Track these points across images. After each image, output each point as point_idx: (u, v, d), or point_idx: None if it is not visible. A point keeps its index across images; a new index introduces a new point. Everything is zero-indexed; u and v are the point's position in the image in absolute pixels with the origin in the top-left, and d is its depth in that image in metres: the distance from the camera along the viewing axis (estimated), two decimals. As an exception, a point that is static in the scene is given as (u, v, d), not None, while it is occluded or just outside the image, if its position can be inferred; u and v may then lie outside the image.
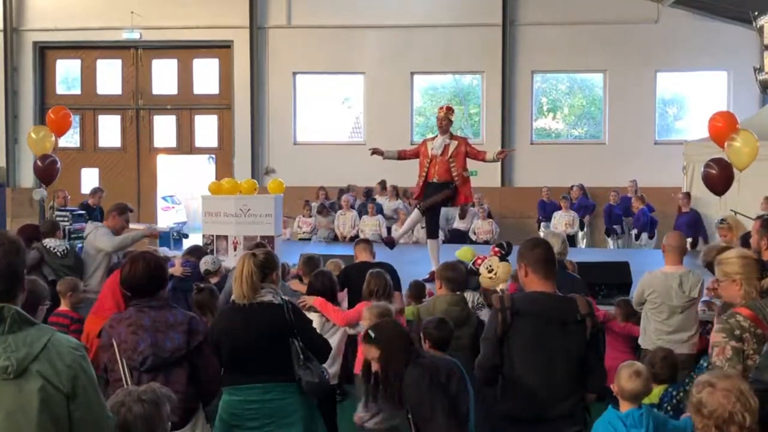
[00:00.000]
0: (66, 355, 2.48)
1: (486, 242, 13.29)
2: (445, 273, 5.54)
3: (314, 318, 5.38)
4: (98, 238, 7.52)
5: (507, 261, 6.61)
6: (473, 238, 14.30)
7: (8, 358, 2.34)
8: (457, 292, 5.58)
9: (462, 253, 7.59)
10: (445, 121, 8.91)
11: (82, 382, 2.47)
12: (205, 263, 6.66)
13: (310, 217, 14.60)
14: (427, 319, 4.97)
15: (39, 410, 2.38)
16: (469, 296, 5.98)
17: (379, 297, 5.56)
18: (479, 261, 6.71)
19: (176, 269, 6.69)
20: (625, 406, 3.80)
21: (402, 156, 9.36)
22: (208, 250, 9.04)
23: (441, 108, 9.17)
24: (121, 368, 3.56)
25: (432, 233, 9.26)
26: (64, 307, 6.08)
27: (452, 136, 8.99)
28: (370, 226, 14.08)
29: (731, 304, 3.76)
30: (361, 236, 13.78)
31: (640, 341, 5.93)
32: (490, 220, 14.58)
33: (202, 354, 3.70)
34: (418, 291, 6.54)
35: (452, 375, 3.79)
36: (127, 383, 3.48)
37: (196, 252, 7.32)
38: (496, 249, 6.77)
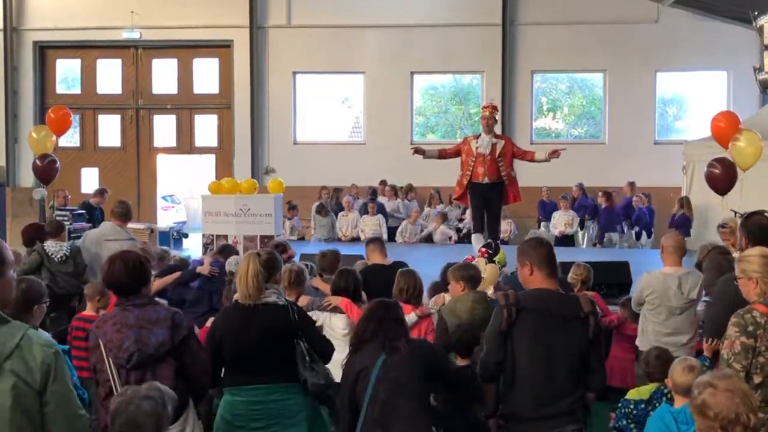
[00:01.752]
0: (38, 353, 2.51)
1: (504, 242, 13.26)
2: (465, 272, 5.34)
3: (341, 319, 5.32)
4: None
5: (494, 263, 6.60)
6: None
7: None
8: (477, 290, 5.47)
9: (497, 257, 7.52)
10: (491, 120, 8.85)
11: (54, 378, 2.51)
12: (229, 264, 6.52)
13: (292, 218, 14.47)
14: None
15: (12, 407, 2.43)
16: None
17: (409, 296, 5.49)
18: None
19: (204, 268, 6.58)
20: (679, 401, 3.79)
21: (443, 155, 9.22)
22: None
23: (485, 107, 9.10)
24: (108, 367, 3.57)
25: (479, 228, 9.13)
26: (90, 311, 6.04)
27: (497, 136, 8.95)
28: (371, 225, 14.05)
29: (743, 303, 3.78)
30: (362, 236, 13.80)
31: (637, 342, 5.87)
32: (509, 219, 14.53)
33: (188, 349, 3.70)
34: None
35: (359, 375, 3.81)
36: (114, 382, 3.50)
37: (226, 252, 7.19)
38: (483, 250, 6.74)
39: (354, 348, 3.97)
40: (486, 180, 8.76)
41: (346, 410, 3.83)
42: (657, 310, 5.66)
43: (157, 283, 6.49)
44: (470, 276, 5.31)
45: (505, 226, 14.25)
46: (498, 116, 9.01)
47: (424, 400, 3.70)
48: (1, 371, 2.43)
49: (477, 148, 8.76)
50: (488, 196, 8.89)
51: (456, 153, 9.06)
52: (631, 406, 4.45)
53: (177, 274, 6.77)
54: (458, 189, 9.08)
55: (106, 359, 3.58)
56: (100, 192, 13.25)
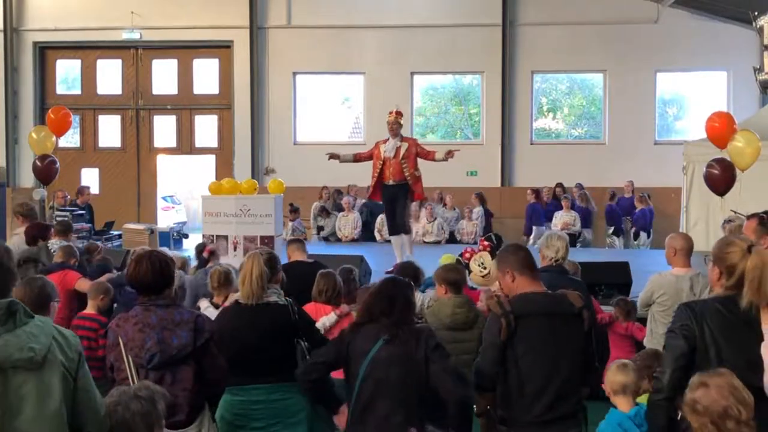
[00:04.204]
0: (72, 342, 2.64)
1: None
2: (446, 275, 5.34)
3: None
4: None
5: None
6: (458, 238, 14.29)
7: (31, 349, 2.46)
8: (460, 294, 5.48)
9: (445, 259, 7.42)
10: (395, 125, 9.44)
11: (83, 366, 2.64)
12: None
13: (294, 220, 14.53)
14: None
15: (61, 394, 2.52)
16: (419, 297, 5.84)
17: (329, 297, 5.46)
18: (468, 254, 6.55)
19: None
20: (621, 403, 3.79)
21: (357, 159, 9.90)
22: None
23: (390, 112, 9.62)
24: (128, 366, 3.56)
25: (394, 230, 9.70)
26: (90, 310, 6.04)
27: (403, 138, 9.49)
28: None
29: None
30: (378, 237, 13.89)
31: (645, 343, 5.87)
32: (475, 222, 14.44)
33: (209, 352, 3.69)
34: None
35: (352, 360, 3.85)
36: (133, 381, 3.47)
37: None
38: (486, 243, 6.63)
39: (358, 323, 3.88)
40: (392, 181, 9.41)
41: (322, 368, 3.86)
42: (668, 312, 5.59)
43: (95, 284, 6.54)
44: (452, 279, 5.28)
45: (471, 228, 14.16)
46: (403, 121, 9.68)
47: (405, 399, 3.63)
48: (47, 363, 2.49)
49: (384, 151, 9.40)
50: (395, 196, 9.49)
51: (369, 156, 9.71)
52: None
53: (108, 275, 6.85)
54: (371, 189, 9.84)
55: (125, 358, 3.57)
56: (81, 190, 13.24)
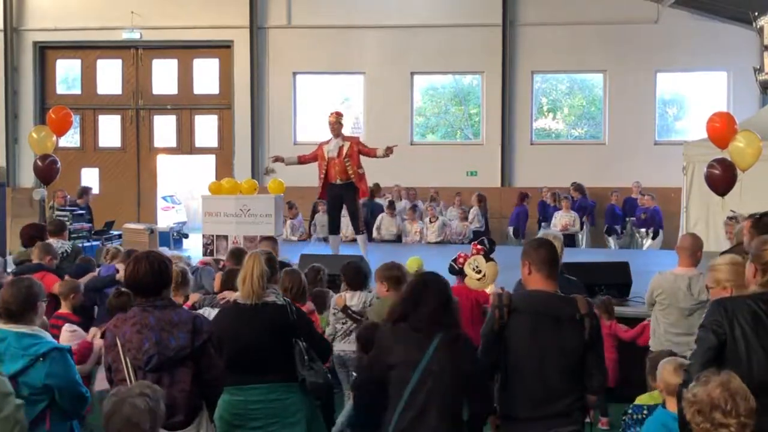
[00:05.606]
0: None
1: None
2: (387, 272, 5.37)
3: None
4: None
5: (493, 260, 6.50)
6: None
7: None
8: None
9: (411, 263, 7.41)
10: (336, 125, 9.79)
11: None
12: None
13: (294, 218, 14.54)
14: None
15: None
16: (363, 296, 5.90)
17: (294, 294, 5.44)
18: (461, 259, 6.54)
19: (123, 275, 6.53)
20: (672, 404, 3.78)
21: (302, 161, 10.06)
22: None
23: (332, 113, 10.00)
24: (125, 368, 3.55)
25: (333, 229, 10.05)
26: (65, 309, 6.03)
27: (344, 138, 9.76)
28: (388, 225, 14.17)
29: None
30: (376, 236, 13.89)
31: (650, 342, 5.90)
32: (465, 223, 14.39)
33: (207, 353, 3.68)
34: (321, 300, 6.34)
35: (396, 366, 3.69)
36: (131, 383, 3.47)
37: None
38: (479, 247, 6.62)
39: (395, 322, 3.69)
40: (338, 180, 9.64)
41: (365, 393, 3.79)
42: (667, 311, 5.66)
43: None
44: (392, 276, 5.32)
45: (461, 229, 14.13)
46: (344, 121, 9.95)
47: (454, 410, 3.58)
48: None
49: (328, 152, 9.66)
50: (343, 196, 9.69)
51: (314, 158, 9.90)
52: (645, 412, 4.27)
53: (91, 275, 6.84)
54: (319, 190, 9.93)
55: (123, 359, 3.57)
56: (84, 191, 13.21)
